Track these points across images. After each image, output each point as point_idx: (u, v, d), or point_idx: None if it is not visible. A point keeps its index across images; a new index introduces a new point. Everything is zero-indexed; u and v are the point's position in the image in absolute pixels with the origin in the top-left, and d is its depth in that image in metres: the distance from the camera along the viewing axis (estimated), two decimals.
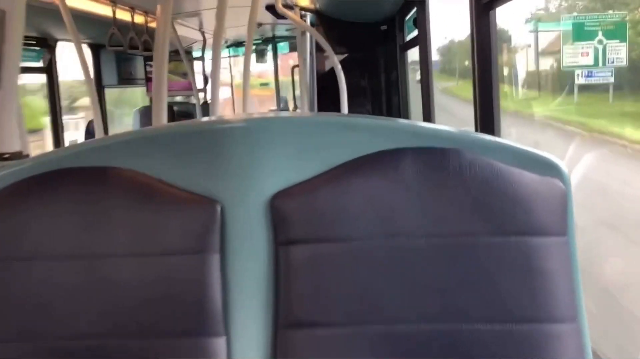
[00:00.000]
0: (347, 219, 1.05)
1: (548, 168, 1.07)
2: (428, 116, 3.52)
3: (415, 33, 3.76)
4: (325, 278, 1.04)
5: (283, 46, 7.50)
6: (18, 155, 1.28)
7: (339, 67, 4.19)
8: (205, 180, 1.07)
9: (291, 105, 7.28)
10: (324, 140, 1.08)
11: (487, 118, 1.94)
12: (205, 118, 1.31)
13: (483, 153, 1.06)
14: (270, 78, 8.00)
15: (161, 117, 2.07)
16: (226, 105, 8.02)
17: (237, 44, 7.26)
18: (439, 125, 1.15)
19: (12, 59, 1.28)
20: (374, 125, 1.11)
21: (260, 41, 7.28)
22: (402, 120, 1.16)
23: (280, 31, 6.75)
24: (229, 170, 1.06)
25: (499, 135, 1.96)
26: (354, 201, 1.05)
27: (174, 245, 1.05)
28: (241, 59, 7.11)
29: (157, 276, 1.04)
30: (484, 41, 1.93)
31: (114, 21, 4.09)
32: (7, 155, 1.27)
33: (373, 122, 1.12)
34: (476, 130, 2.03)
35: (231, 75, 7.97)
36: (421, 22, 3.45)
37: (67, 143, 4.69)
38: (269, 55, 7.57)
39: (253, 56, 7.09)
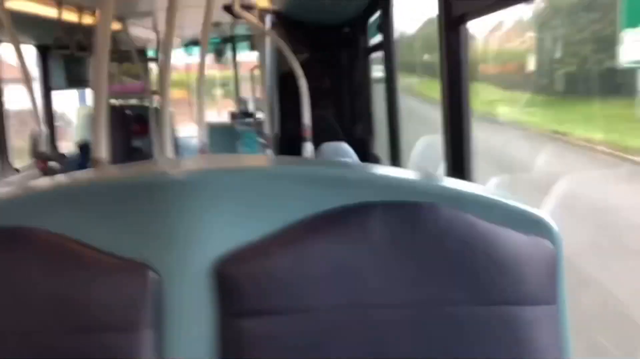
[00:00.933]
0: (307, 287, 0.90)
1: (536, 225, 0.94)
2: (393, 120, 3.42)
3: (379, 37, 3.65)
4: (282, 356, 0.90)
5: (243, 45, 7.33)
6: None
7: (300, 71, 4.07)
8: (138, 244, 0.91)
9: (252, 108, 7.13)
10: (279, 194, 0.93)
11: (457, 155, 1.80)
12: (141, 166, 1.15)
13: (462, 208, 0.93)
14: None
15: (101, 125, 1.89)
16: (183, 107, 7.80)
17: (194, 42, 7.06)
18: (412, 174, 1.01)
19: None
20: (336, 176, 0.96)
21: (218, 40, 7.10)
22: (368, 169, 1.02)
23: (241, 30, 6.59)
24: (166, 231, 0.91)
25: (469, 177, 1.82)
26: (315, 265, 0.90)
27: (99, 320, 0.89)
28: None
29: (80, 357, 0.88)
30: (454, 61, 1.80)
31: (60, 22, 3.88)
32: None
33: (335, 172, 0.98)
34: (447, 171, 1.89)
35: (188, 76, 7.75)
36: (385, 26, 3.34)
37: None
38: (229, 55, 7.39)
39: (210, 56, 6.93)
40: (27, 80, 3.45)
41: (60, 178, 1.08)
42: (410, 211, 0.92)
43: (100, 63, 1.86)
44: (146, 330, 0.89)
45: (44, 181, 1.01)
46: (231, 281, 0.90)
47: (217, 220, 0.91)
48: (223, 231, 0.91)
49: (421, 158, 3.25)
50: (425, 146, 3.33)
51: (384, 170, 1.06)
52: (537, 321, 0.91)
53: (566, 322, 0.94)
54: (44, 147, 3.59)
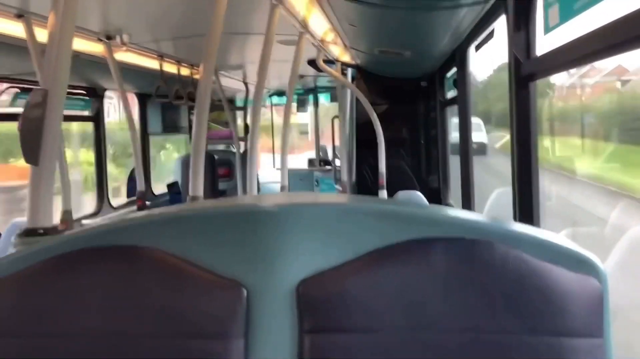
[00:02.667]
0: (375, 309, 1.02)
1: (584, 265, 1.03)
2: (466, 171, 3.49)
3: (455, 91, 3.76)
4: None
5: (325, 96, 7.60)
6: (53, 231, 1.32)
7: (377, 121, 4.23)
8: (232, 264, 1.06)
9: (330, 155, 7.34)
10: (353, 227, 1.06)
11: (526, 203, 1.89)
12: (234, 200, 1.32)
13: (516, 246, 1.03)
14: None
15: (199, 168, 2.11)
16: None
17: (280, 92, 7.40)
18: (471, 214, 1.13)
19: (52, 136, 1.33)
20: (404, 213, 1.09)
21: (302, 91, 7.40)
22: (433, 208, 1.14)
23: (322, 82, 6.86)
24: (256, 255, 1.06)
25: (538, 223, 1.89)
26: (382, 291, 1.03)
27: (198, 328, 1.04)
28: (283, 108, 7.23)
29: None
30: (524, 115, 1.90)
31: (161, 74, 4.23)
32: (42, 231, 1.31)
33: (402, 210, 1.11)
34: (514, 215, 1.97)
35: (272, 123, 8.10)
36: (461, 81, 3.45)
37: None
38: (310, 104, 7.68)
39: (294, 105, 7.23)
40: (131, 124, 3.81)
41: (169, 208, 1.26)
42: (468, 247, 1.03)
43: (201, 112, 2.10)
44: (237, 339, 1.04)
45: (155, 210, 1.19)
46: (309, 301, 1.04)
47: (300, 247, 1.05)
48: (305, 257, 1.05)
49: (495, 209, 3.29)
50: (498, 197, 3.38)
51: (447, 210, 1.17)
52: (583, 352, 0.99)
53: (611, 355, 1.01)
54: (142, 187, 3.90)
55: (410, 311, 1.01)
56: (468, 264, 1.02)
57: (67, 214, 3.34)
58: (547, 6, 1.77)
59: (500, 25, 2.40)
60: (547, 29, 1.78)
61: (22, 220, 2.52)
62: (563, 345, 0.99)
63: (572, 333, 0.99)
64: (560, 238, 1.07)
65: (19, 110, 3.56)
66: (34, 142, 1.29)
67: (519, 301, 1.00)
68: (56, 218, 3.20)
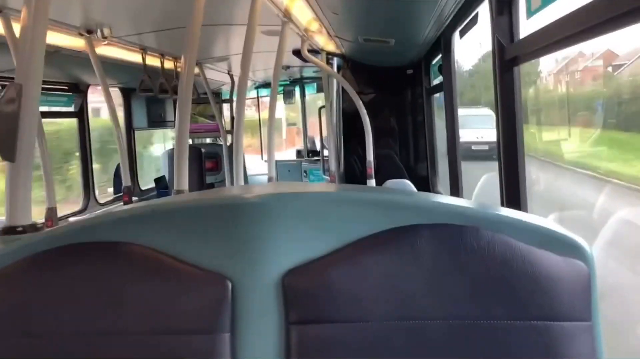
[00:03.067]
0: (362, 299, 1.01)
1: (571, 248, 1.02)
2: (454, 158, 3.49)
3: (440, 78, 3.76)
4: None
5: (311, 87, 7.58)
6: (32, 228, 1.29)
7: (364, 110, 4.22)
8: (217, 257, 1.05)
9: (318, 146, 7.33)
10: (339, 216, 1.05)
11: (512, 188, 1.88)
12: (218, 191, 1.30)
13: (503, 231, 1.02)
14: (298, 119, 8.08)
15: (183, 161, 2.09)
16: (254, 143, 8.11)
17: (266, 84, 7.37)
18: (457, 200, 1.12)
19: (28, 132, 1.30)
20: (389, 200, 1.08)
21: (288, 82, 7.37)
22: (419, 195, 1.13)
23: (308, 72, 6.83)
24: (241, 247, 1.04)
25: (525, 208, 1.89)
26: (369, 280, 1.02)
27: (184, 324, 1.03)
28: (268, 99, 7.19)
29: (166, 356, 1.02)
30: (509, 99, 1.89)
31: (145, 67, 4.19)
32: (20, 228, 1.28)
33: (388, 197, 1.10)
34: (501, 200, 1.97)
35: (259, 116, 8.07)
36: (446, 68, 3.45)
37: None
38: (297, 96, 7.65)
39: (280, 97, 7.20)
40: (114, 120, 3.77)
41: (151, 202, 1.25)
42: (454, 233, 1.02)
43: (183, 105, 2.08)
44: (223, 333, 1.02)
45: (138, 204, 1.17)
46: (295, 292, 1.03)
47: (285, 238, 1.04)
48: (290, 247, 1.04)
49: (483, 195, 3.30)
50: (486, 183, 3.38)
51: (433, 197, 1.16)
52: (572, 336, 0.99)
53: (600, 338, 1.00)
54: (127, 182, 3.87)
55: (397, 299, 1.01)
56: (455, 250, 1.02)
57: (51, 212, 3.31)
58: None
59: (484, 10, 2.39)
60: (530, 13, 1.78)
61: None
62: (552, 329, 0.98)
63: (561, 317, 0.99)
64: (547, 221, 1.06)
65: None
66: (9, 138, 1.27)
67: (506, 287, 1.00)
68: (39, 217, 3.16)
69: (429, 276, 1.01)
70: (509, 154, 1.91)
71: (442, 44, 3.44)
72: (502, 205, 1.96)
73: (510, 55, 1.89)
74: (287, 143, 10.14)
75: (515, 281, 1.00)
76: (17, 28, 2.55)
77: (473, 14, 2.68)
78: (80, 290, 1.04)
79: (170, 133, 6.73)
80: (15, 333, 1.03)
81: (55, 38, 3.00)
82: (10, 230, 1.29)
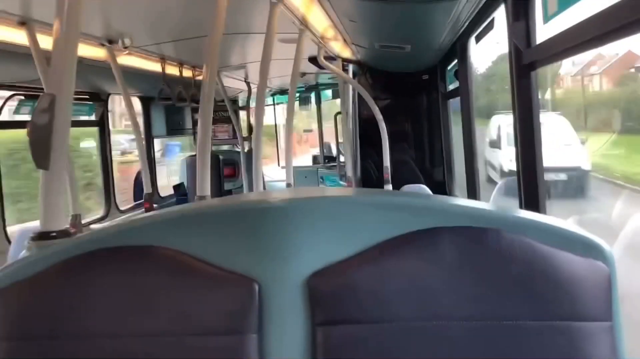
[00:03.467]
0: (385, 300, 1.04)
1: (591, 249, 1.04)
2: (471, 162, 3.49)
3: (456, 83, 3.77)
4: None
5: (326, 93, 7.61)
6: (65, 233, 1.34)
7: (380, 116, 4.24)
8: (243, 259, 1.08)
9: (334, 151, 7.35)
10: (361, 219, 1.08)
11: (531, 191, 1.90)
12: (243, 197, 1.33)
13: (523, 233, 1.04)
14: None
15: (205, 168, 2.13)
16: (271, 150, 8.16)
17: (282, 91, 7.41)
18: (476, 203, 1.14)
19: (61, 140, 1.35)
20: (410, 204, 1.10)
21: (303, 89, 7.41)
22: (440, 198, 1.16)
23: (324, 79, 6.87)
24: (267, 250, 1.07)
25: (544, 210, 1.90)
26: (392, 282, 1.04)
27: (213, 325, 1.06)
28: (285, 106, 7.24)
29: (195, 356, 1.05)
30: (526, 104, 1.91)
31: (164, 76, 4.25)
32: (54, 234, 1.33)
33: (410, 200, 1.12)
34: (520, 204, 1.98)
35: (275, 123, 8.11)
36: (462, 74, 3.46)
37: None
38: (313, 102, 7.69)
39: (297, 103, 7.24)
40: (136, 128, 3.83)
41: (179, 206, 1.28)
42: (476, 235, 1.05)
43: (205, 113, 2.12)
44: (251, 334, 1.05)
45: (167, 209, 1.20)
46: (320, 294, 1.06)
47: (309, 241, 1.07)
48: (315, 250, 1.07)
49: (501, 198, 3.31)
50: (504, 186, 3.39)
51: (452, 200, 1.18)
52: (593, 335, 1.00)
53: (621, 338, 1.02)
54: (148, 189, 3.93)
55: (420, 300, 1.03)
56: (476, 252, 1.04)
57: (76, 218, 3.37)
58: None
59: (500, 15, 2.41)
60: (547, 18, 1.79)
61: (32, 225, 2.55)
62: (573, 329, 1.00)
63: (582, 317, 1.00)
64: (566, 223, 1.08)
65: (22, 118, 3.59)
66: (43, 147, 1.32)
67: (527, 288, 1.02)
68: None
69: (450, 277, 1.03)
70: (527, 157, 1.93)
71: (459, 49, 3.46)
72: (521, 208, 1.97)
73: (527, 60, 1.91)
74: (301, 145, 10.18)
75: (536, 282, 1.02)
76: (41, 39, 2.62)
77: (489, 19, 2.70)
78: (112, 293, 1.07)
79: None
80: (52, 336, 1.06)
81: (79, 49, 3.07)
82: (44, 236, 1.34)
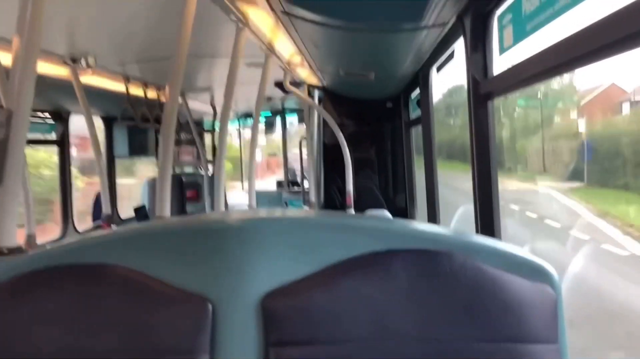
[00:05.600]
0: (339, 321, 1.04)
1: (538, 273, 1.07)
2: (432, 189, 3.55)
3: (419, 112, 3.85)
4: None
5: (292, 118, 7.65)
6: (17, 251, 1.31)
7: (344, 142, 4.28)
8: (198, 279, 1.07)
9: (299, 177, 7.37)
10: (317, 240, 1.09)
11: (487, 216, 1.94)
12: (201, 216, 1.33)
13: (474, 256, 1.07)
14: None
15: (166, 189, 2.11)
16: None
17: (247, 115, 7.43)
18: (432, 226, 1.17)
19: (16, 156, 1.33)
20: (366, 226, 1.12)
21: (269, 113, 7.44)
22: (395, 221, 1.18)
23: (290, 104, 6.91)
24: (221, 269, 1.07)
25: (499, 235, 1.95)
26: (346, 303, 1.05)
27: (165, 344, 1.04)
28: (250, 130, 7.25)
29: None
30: (483, 133, 1.97)
31: (127, 96, 4.21)
32: (5, 251, 1.30)
33: (365, 223, 1.14)
34: (476, 229, 2.03)
35: (240, 146, 8.10)
36: (424, 102, 3.54)
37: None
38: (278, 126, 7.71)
39: (262, 127, 7.26)
40: (96, 148, 3.78)
41: (135, 225, 1.27)
42: (428, 258, 1.07)
43: (167, 134, 2.11)
44: (203, 354, 1.04)
45: (122, 228, 1.19)
46: (275, 314, 1.06)
47: (265, 261, 1.07)
48: (269, 270, 1.07)
49: (460, 225, 3.36)
50: (463, 214, 3.45)
51: (408, 223, 1.21)
52: (540, 357, 1.03)
53: None
54: (108, 211, 3.86)
55: (374, 321, 1.04)
56: (429, 274, 1.06)
57: (30, 239, 3.28)
58: (501, 28, 1.85)
59: (460, 47, 2.49)
60: (502, 50, 1.86)
61: None
62: (521, 351, 1.02)
63: (529, 339, 1.03)
64: (516, 248, 1.11)
65: None
66: None
67: (478, 310, 1.04)
68: None
69: (404, 298, 1.05)
70: (483, 184, 1.98)
71: (421, 79, 3.54)
72: (477, 232, 2.01)
73: (484, 90, 1.97)
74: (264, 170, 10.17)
75: (485, 304, 1.04)
76: (2, 56, 2.58)
77: (450, 51, 2.78)
78: (63, 311, 1.05)
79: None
80: (2, 356, 1.03)
81: (40, 66, 3.02)
82: None
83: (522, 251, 1.10)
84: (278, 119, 7.62)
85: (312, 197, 4.80)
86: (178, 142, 6.21)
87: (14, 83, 1.38)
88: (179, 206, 5.60)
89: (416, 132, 4.45)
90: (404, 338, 1.03)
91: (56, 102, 4.25)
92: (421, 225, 1.18)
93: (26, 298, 1.06)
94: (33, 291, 1.06)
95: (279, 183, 7.73)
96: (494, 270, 1.06)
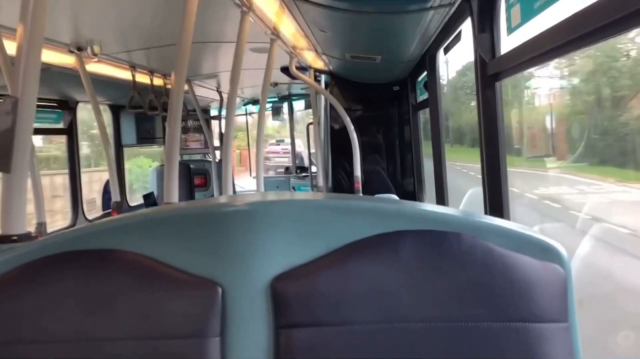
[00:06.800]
0: (348, 303, 1.05)
1: (548, 252, 1.06)
2: (440, 172, 3.54)
3: (426, 95, 3.82)
4: None
5: (299, 104, 7.64)
6: (27, 237, 1.32)
7: (352, 127, 4.27)
8: (207, 263, 1.08)
9: (306, 162, 7.37)
10: (325, 223, 1.09)
11: (495, 197, 1.93)
12: (208, 201, 1.34)
13: (483, 236, 1.06)
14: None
15: (173, 176, 2.12)
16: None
17: (254, 101, 7.42)
18: (440, 207, 1.16)
19: (23, 144, 1.33)
20: (374, 208, 1.12)
21: (276, 99, 7.43)
22: (403, 203, 1.17)
23: (296, 89, 6.89)
24: (230, 253, 1.08)
25: (507, 216, 1.94)
26: (354, 285, 1.05)
27: (175, 328, 1.05)
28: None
29: None
30: (491, 114, 1.95)
31: (134, 84, 4.22)
32: (15, 237, 1.31)
33: (372, 205, 1.14)
34: (485, 210, 2.02)
35: (247, 132, 8.11)
36: (432, 85, 3.51)
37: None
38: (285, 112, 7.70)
39: (269, 114, 7.25)
40: (104, 136, 3.79)
41: (143, 210, 1.27)
42: (437, 239, 1.06)
43: (173, 121, 2.11)
44: (213, 338, 1.05)
45: (130, 214, 1.20)
46: (283, 297, 1.06)
47: (273, 244, 1.08)
48: (278, 254, 1.07)
49: (469, 207, 3.34)
50: (473, 196, 3.43)
51: (417, 204, 1.20)
52: (550, 336, 1.03)
53: (577, 338, 1.04)
54: (117, 198, 3.88)
55: (382, 303, 1.04)
56: (437, 255, 1.05)
57: (40, 226, 3.31)
58: (509, 7, 1.83)
59: (467, 28, 2.46)
60: (510, 29, 1.84)
61: None
62: (530, 330, 1.02)
63: (539, 319, 1.03)
64: (525, 228, 1.11)
65: None
66: (5, 149, 1.30)
67: (486, 290, 1.03)
68: None
69: (412, 280, 1.04)
70: (492, 165, 1.97)
71: (427, 61, 3.51)
72: (486, 213, 2.01)
73: (492, 71, 1.95)
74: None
75: (495, 284, 1.03)
76: (7, 44, 2.58)
77: (456, 32, 2.75)
78: (73, 297, 1.06)
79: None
80: (11, 340, 1.05)
81: (46, 55, 3.03)
82: (4, 239, 1.32)
83: (531, 231, 1.09)
84: (285, 105, 7.61)
85: (320, 182, 4.80)
86: (185, 129, 6.22)
87: (19, 72, 1.38)
88: (188, 194, 5.62)
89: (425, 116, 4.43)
90: (413, 319, 1.04)
91: (63, 91, 4.26)
92: (429, 206, 1.18)
93: (37, 284, 1.07)
94: (44, 277, 1.07)
95: (287, 169, 7.75)
96: (503, 250, 1.05)
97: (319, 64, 4.56)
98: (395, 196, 3.99)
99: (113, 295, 1.06)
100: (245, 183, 7.76)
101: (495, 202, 1.95)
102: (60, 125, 4.52)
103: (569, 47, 1.41)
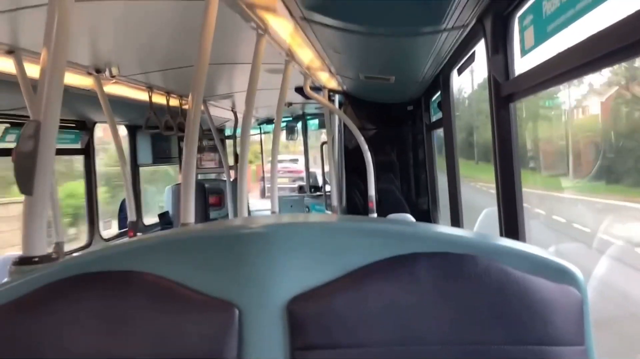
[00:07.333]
0: (364, 325, 1.05)
1: (564, 275, 1.06)
2: (454, 192, 3.53)
3: (440, 114, 3.84)
4: None
5: (313, 123, 7.68)
6: (47, 259, 1.34)
7: (365, 146, 4.28)
8: (224, 285, 1.09)
9: (320, 181, 7.39)
10: (340, 245, 1.10)
11: (511, 219, 1.93)
12: (225, 223, 1.35)
13: (499, 259, 1.07)
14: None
15: (189, 196, 2.14)
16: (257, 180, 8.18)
17: (268, 121, 7.47)
18: (455, 229, 1.16)
19: (45, 167, 1.36)
20: (389, 230, 1.12)
21: (290, 119, 7.48)
22: (418, 225, 1.18)
23: (310, 109, 6.94)
24: (247, 275, 1.09)
25: (523, 238, 1.94)
26: (370, 307, 1.05)
27: (192, 349, 1.06)
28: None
29: None
30: (505, 135, 1.96)
31: (151, 105, 4.27)
32: (36, 259, 1.33)
33: (388, 227, 1.14)
34: (500, 232, 2.02)
35: (262, 152, 8.15)
36: (445, 105, 3.52)
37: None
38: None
39: (283, 133, 7.29)
40: (121, 156, 3.84)
41: (161, 232, 1.29)
42: (452, 261, 1.07)
43: (190, 142, 2.14)
44: None
45: (148, 235, 1.21)
46: (300, 319, 1.06)
47: (289, 266, 1.08)
48: (294, 275, 1.08)
49: (484, 228, 3.33)
50: (487, 216, 3.42)
51: (431, 226, 1.21)
52: None
53: None
54: (133, 217, 3.92)
55: (398, 325, 1.04)
56: (452, 278, 1.06)
57: (59, 246, 3.35)
58: (522, 29, 1.84)
59: (480, 49, 2.48)
60: (524, 51, 1.85)
61: (13, 254, 2.53)
62: (547, 354, 1.02)
63: (555, 342, 1.02)
64: (540, 250, 1.11)
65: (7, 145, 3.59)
66: (27, 172, 1.33)
67: (503, 313, 1.03)
68: None
69: (428, 302, 1.05)
70: (507, 186, 1.97)
71: (441, 81, 3.53)
72: (501, 235, 2.00)
73: (505, 92, 1.96)
74: None
75: (510, 307, 1.03)
76: (29, 68, 2.64)
77: (470, 53, 2.77)
78: (93, 318, 1.07)
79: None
80: None
81: (66, 77, 3.09)
82: (26, 261, 1.34)
83: (546, 253, 1.09)
84: (299, 125, 7.65)
85: (334, 201, 4.80)
86: (200, 149, 6.27)
87: (42, 95, 1.41)
88: (202, 213, 5.65)
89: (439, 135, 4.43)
90: (429, 341, 1.03)
91: (81, 112, 4.33)
92: (444, 228, 1.18)
93: (58, 305, 1.08)
94: (65, 298, 1.09)
95: (301, 188, 7.77)
96: (519, 272, 1.05)
97: (332, 84, 4.60)
98: (409, 216, 3.98)
99: (132, 316, 1.08)
100: (258, 202, 7.79)
101: (511, 223, 1.94)
102: (78, 146, 4.58)
103: (585, 69, 1.42)
